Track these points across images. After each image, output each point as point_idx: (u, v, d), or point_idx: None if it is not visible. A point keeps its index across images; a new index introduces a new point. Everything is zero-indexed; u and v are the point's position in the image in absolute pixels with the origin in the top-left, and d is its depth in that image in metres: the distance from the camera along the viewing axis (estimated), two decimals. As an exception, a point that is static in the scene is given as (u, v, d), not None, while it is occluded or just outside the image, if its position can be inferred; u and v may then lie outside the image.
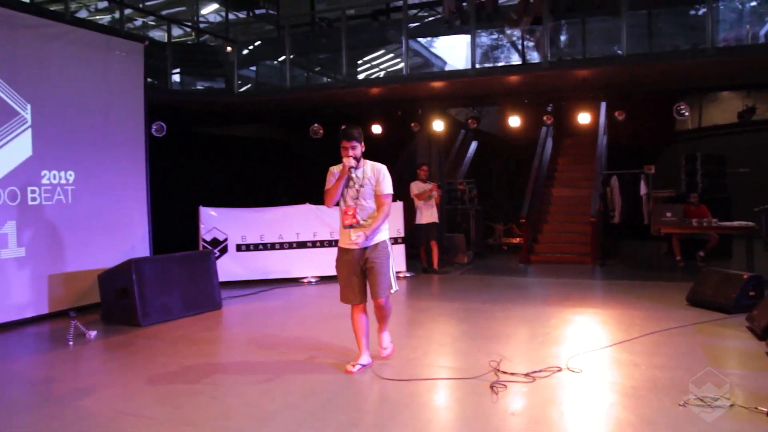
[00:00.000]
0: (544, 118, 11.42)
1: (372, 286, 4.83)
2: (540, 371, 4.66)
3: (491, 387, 4.34)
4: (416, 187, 10.08)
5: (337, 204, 4.85)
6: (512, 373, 4.62)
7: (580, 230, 11.59)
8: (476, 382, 4.50)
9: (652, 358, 5.04)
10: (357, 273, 4.81)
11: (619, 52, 8.84)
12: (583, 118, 11.14)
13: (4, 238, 6.70)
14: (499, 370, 4.69)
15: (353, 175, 4.74)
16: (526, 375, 4.57)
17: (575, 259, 11.13)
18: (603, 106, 13.06)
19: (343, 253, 4.85)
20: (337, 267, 4.89)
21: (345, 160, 4.69)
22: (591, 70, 9.30)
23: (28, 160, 6.99)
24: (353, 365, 4.85)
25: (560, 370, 4.71)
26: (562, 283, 9.14)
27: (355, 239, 4.68)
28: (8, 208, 6.76)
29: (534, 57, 9.75)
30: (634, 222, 11.06)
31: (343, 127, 4.75)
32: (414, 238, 10.28)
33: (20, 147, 6.92)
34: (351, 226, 4.74)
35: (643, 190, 10.98)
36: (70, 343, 5.96)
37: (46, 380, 4.96)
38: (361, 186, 4.73)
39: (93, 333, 6.20)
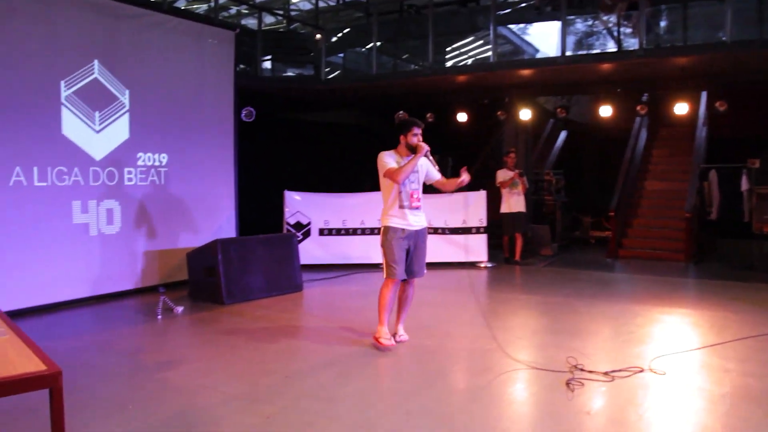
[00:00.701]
0: (638, 107, 10.93)
1: (417, 265, 5.21)
2: (620, 371, 4.47)
3: (567, 384, 4.21)
4: (501, 174, 9.90)
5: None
6: (590, 371, 4.46)
7: (674, 225, 11.03)
8: (552, 378, 4.38)
9: (745, 364, 4.73)
10: (405, 252, 5.14)
11: (723, 38, 8.31)
12: (681, 108, 10.57)
13: (101, 216, 7.09)
14: (577, 367, 4.54)
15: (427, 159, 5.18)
16: (605, 374, 4.40)
17: (667, 256, 10.62)
18: (703, 95, 12.33)
19: (398, 232, 5.09)
20: (391, 245, 5.08)
21: (422, 143, 5.06)
22: (690, 58, 8.79)
23: (126, 143, 7.35)
24: (393, 337, 5.20)
25: (642, 371, 4.50)
26: (652, 280, 8.74)
27: (414, 221, 5.11)
28: (107, 187, 7.15)
29: (631, 44, 9.32)
30: (733, 219, 10.41)
31: (402, 114, 5.07)
32: (499, 227, 10.11)
33: (119, 130, 7.29)
34: (417, 208, 5.13)
35: (744, 185, 10.30)
36: (159, 317, 6.26)
37: (134, 351, 5.23)
38: (416, 172, 5.13)
39: (180, 309, 6.49)
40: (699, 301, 7.37)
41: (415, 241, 5.16)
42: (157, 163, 7.71)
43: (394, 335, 5.30)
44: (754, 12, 9.01)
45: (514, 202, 9.85)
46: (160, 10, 8.08)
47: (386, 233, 5.12)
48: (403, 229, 5.08)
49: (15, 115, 6.27)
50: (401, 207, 5.08)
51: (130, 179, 7.41)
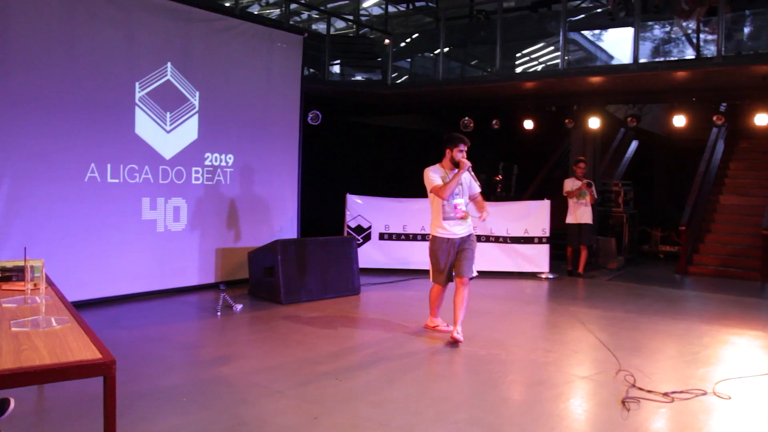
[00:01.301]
0: (714, 118, 10.48)
1: (463, 268, 5.56)
2: (681, 392, 4.29)
3: (623, 402, 4.07)
4: (569, 183, 9.69)
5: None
6: (649, 390, 4.30)
7: (750, 243, 10.51)
8: (607, 395, 4.24)
9: (820, 392, 4.46)
10: (451, 259, 5.60)
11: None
12: (762, 119, 10.07)
13: (168, 213, 7.34)
14: (635, 386, 4.39)
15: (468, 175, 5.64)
16: (665, 394, 4.23)
17: (741, 275, 10.12)
18: (788, 106, 11.71)
19: (443, 242, 5.58)
20: (436, 255, 5.63)
21: (465, 160, 5.49)
22: (772, 66, 8.36)
23: (194, 143, 7.59)
24: (456, 334, 5.49)
25: (705, 393, 4.30)
26: (723, 299, 8.35)
27: (458, 230, 5.56)
28: (174, 185, 7.40)
29: (711, 51, 8.93)
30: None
31: (454, 133, 5.66)
32: (564, 238, 9.90)
33: (188, 130, 7.54)
34: (462, 218, 5.56)
35: (830, 202, 9.73)
36: (218, 313, 6.42)
37: (193, 345, 5.40)
38: (460, 184, 5.55)
39: (239, 306, 6.64)
40: (773, 323, 6.98)
41: (461, 245, 5.58)
42: (223, 164, 7.92)
43: (437, 329, 5.93)
44: None
45: (580, 213, 9.62)
46: (231, 15, 8.31)
47: (433, 242, 5.65)
48: (447, 239, 5.56)
49: (92, 115, 6.58)
50: (446, 219, 5.54)
51: (197, 178, 7.64)
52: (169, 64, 7.25)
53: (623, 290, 8.82)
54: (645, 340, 5.93)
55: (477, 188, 5.72)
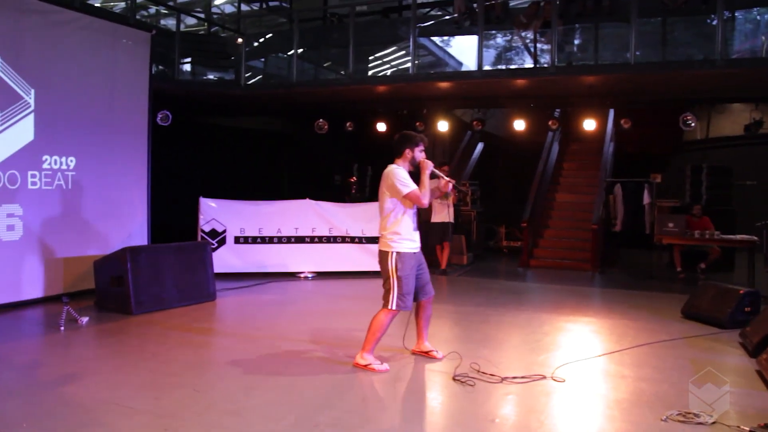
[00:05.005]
0: (549, 122, 11.38)
1: (429, 283, 5.09)
2: (522, 377, 4.66)
3: (453, 379, 4.53)
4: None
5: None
6: (491, 374, 4.66)
7: (582, 237, 11.54)
8: (459, 386, 4.49)
9: (640, 370, 5.01)
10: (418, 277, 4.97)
11: (628, 59, 8.77)
12: (589, 124, 11.09)
13: (1, 221, 6.73)
14: (480, 371, 4.76)
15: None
16: (503, 380, 4.60)
17: (575, 266, 11.09)
18: (611, 113, 12.98)
19: (412, 259, 4.84)
20: (408, 276, 4.80)
21: (427, 161, 4.90)
22: (598, 77, 9.24)
23: (30, 145, 7.01)
24: (428, 354, 5.19)
25: (544, 378, 4.70)
26: (560, 289, 9.11)
27: (418, 240, 4.91)
28: (8, 191, 6.79)
29: (548, 60, 9.67)
30: (635, 231, 11.00)
31: (409, 131, 5.05)
32: (428, 237, 10.26)
33: (22, 131, 6.95)
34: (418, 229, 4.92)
35: (646, 199, 10.92)
36: (62, 328, 5.99)
37: (33, 365, 4.99)
38: None
39: (85, 319, 6.23)
40: (602, 309, 7.72)
41: (420, 260, 4.99)
42: (64, 167, 7.39)
43: (424, 353, 5.25)
44: (658, 36, 9.57)
45: (444, 213, 10.01)
46: (71, 7, 7.76)
47: (401, 260, 4.76)
48: (415, 254, 4.86)
49: None
50: (415, 229, 4.86)
51: (34, 183, 7.07)
52: (-3, 59, 6.65)
53: (473, 285, 9.34)
54: (492, 332, 6.33)
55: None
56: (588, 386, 4.60)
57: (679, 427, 3.79)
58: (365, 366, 4.85)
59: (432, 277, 5.29)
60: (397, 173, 4.78)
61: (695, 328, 6.56)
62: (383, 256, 4.84)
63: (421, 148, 4.89)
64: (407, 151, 4.88)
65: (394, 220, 4.80)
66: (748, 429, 3.72)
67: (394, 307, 4.79)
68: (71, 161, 7.48)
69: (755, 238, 9.01)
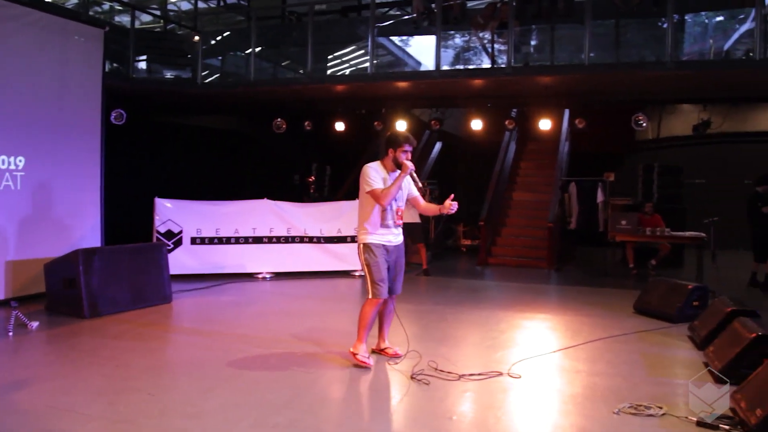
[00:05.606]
0: (506, 122, 11.52)
1: (398, 282, 5.19)
2: (479, 374, 4.73)
3: (411, 377, 4.59)
4: None
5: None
6: (449, 372, 4.72)
7: (538, 235, 11.72)
8: (418, 385, 4.52)
9: (594, 365, 5.13)
10: (391, 269, 5.11)
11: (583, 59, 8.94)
12: (545, 124, 11.28)
13: (-54, 223, 6.51)
14: (438, 369, 4.82)
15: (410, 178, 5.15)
16: (461, 377, 4.66)
17: (532, 263, 11.26)
18: (566, 113, 13.22)
19: (384, 251, 5.01)
20: (378, 264, 4.95)
21: (408, 162, 4.99)
22: (553, 77, 9.40)
23: (-25, 144, 6.80)
24: (384, 353, 5.29)
25: (501, 374, 4.77)
26: (516, 287, 9.24)
27: (394, 238, 5.08)
28: (-48, 192, 6.57)
29: (505, 61, 9.80)
30: (590, 228, 11.24)
31: (398, 131, 5.20)
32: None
33: (-33, 130, 6.74)
34: (399, 226, 5.11)
35: (599, 197, 11.16)
36: (10, 333, 5.80)
37: (-20, 371, 4.84)
38: (401, 189, 5.07)
39: (35, 324, 6.06)
40: (557, 306, 7.87)
41: (396, 257, 5.12)
42: (12, 167, 7.18)
43: (380, 351, 5.33)
44: (612, 37, 9.78)
45: (410, 214, 9.98)
46: (18, 2, 7.53)
47: (370, 251, 4.96)
48: (384, 246, 5.01)
49: None
50: (385, 226, 5.01)
51: (-21, 184, 6.85)
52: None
53: (431, 284, 9.40)
54: (451, 330, 6.39)
55: (415, 192, 5.28)
56: (544, 382, 4.69)
57: (630, 419, 3.90)
58: (353, 354, 5.04)
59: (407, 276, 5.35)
60: (367, 171, 5.01)
61: (646, 322, 6.75)
62: (358, 249, 5.10)
63: (405, 148, 5.00)
64: (390, 150, 5.05)
65: (363, 214, 5.05)
66: (695, 420, 3.84)
67: (371, 296, 4.97)
68: (20, 161, 7.26)
69: (703, 234, 9.29)
